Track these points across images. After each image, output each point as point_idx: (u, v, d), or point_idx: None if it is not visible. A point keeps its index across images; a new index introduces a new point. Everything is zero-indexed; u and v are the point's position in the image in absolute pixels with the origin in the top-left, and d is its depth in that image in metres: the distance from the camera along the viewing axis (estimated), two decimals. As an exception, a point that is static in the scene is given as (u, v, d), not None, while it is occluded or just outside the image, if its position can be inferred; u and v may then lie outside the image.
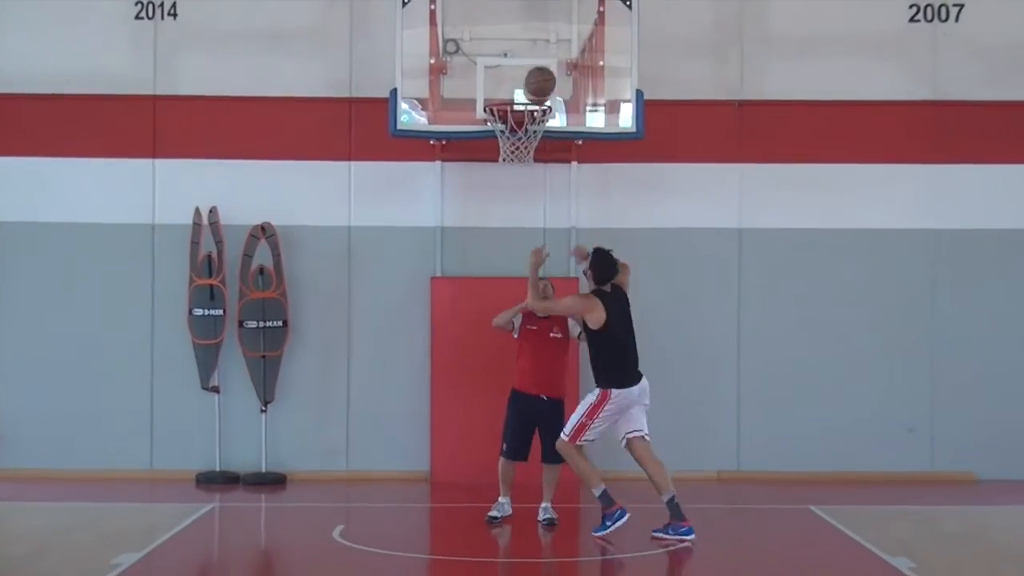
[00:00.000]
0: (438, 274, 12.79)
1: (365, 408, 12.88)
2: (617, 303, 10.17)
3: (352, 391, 12.91)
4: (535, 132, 11.51)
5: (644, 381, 10.15)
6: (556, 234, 12.72)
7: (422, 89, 12.04)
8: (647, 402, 10.20)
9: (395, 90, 11.75)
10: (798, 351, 12.97)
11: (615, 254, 10.36)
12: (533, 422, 10.63)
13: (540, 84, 10.97)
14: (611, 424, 10.10)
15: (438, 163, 12.72)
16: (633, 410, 10.09)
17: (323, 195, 12.87)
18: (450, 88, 12.32)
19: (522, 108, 11.44)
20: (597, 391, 10.10)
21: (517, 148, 11.52)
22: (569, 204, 12.84)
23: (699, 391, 12.87)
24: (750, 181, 12.98)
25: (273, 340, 12.62)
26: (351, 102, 12.86)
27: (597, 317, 9.99)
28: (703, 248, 12.94)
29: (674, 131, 12.75)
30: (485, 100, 11.54)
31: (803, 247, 13.00)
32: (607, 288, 10.17)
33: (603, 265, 10.12)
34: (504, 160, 11.70)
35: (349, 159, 12.86)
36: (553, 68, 11.46)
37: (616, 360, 10.06)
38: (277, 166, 12.82)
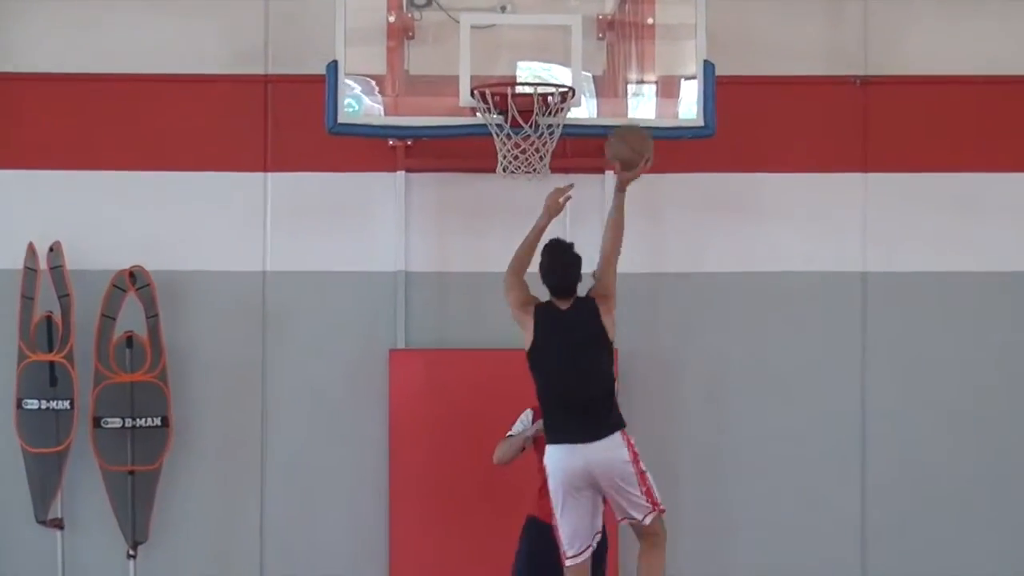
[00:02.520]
0: (400, 345, 11.12)
1: (288, 546, 11.06)
2: (559, 324, 8.95)
3: (268, 522, 11.09)
4: (550, 128, 10.04)
5: (596, 447, 8.68)
6: (584, 282, 11.05)
7: (376, 62, 10.71)
8: (609, 482, 8.81)
9: (335, 63, 10.18)
10: (950, 449, 11.29)
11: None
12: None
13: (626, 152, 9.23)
14: (583, 512, 8.75)
15: (401, 174, 11.08)
16: (604, 494, 8.79)
17: (225, 224, 11.18)
18: (419, 61, 10.85)
19: (530, 90, 10.07)
20: None
21: (523, 151, 10.09)
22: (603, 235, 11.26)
23: (806, 508, 11.21)
24: (879, 199, 11.23)
25: (147, 447, 10.85)
26: (267, 81, 11.15)
27: (526, 338, 9.09)
28: (810, 301, 11.29)
29: (763, 124, 11.12)
30: (474, 78, 10.09)
31: (957, 298, 11.30)
32: (560, 302, 8.99)
33: (545, 263, 8.96)
34: (504, 170, 10.15)
35: (264, 169, 11.15)
36: (577, 28, 10.00)
37: (543, 404, 8.94)
38: (154, 180, 11.07)
